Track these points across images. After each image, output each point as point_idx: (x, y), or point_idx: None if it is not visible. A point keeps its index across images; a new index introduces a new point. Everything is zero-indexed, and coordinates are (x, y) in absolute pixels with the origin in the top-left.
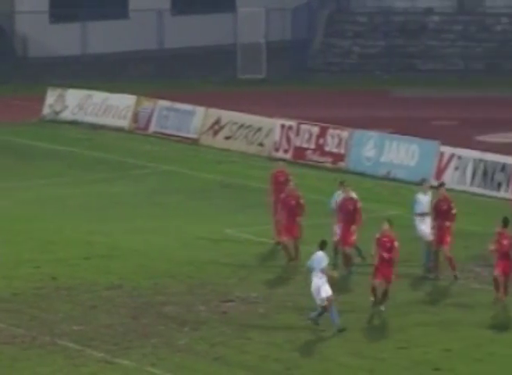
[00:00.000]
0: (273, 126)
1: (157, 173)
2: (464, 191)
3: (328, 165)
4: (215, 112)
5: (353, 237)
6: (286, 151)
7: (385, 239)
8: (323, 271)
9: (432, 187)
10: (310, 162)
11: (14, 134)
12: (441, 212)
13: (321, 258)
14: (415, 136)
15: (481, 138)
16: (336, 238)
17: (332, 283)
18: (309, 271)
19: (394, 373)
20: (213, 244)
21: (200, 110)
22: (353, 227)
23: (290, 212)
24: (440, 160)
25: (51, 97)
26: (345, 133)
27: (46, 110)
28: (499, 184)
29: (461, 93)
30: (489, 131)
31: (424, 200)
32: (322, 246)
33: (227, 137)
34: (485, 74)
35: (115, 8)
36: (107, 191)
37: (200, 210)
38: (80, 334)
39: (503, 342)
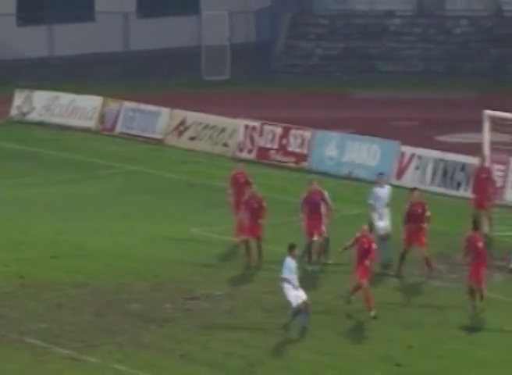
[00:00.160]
0: (237, 126)
1: (123, 173)
2: (424, 191)
3: (291, 165)
4: (180, 113)
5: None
6: (249, 151)
7: (363, 240)
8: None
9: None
10: (273, 162)
11: None
12: (415, 216)
13: (288, 264)
14: (376, 136)
15: (441, 138)
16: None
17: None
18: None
19: (356, 369)
20: (178, 243)
21: (165, 111)
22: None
23: (253, 214)
24: (401, 160)
25: (19, 98)
26: (307, 134)
27: (13, 111)
28: (459, 184)
29: (421, 94)
30: (449, 132)
31: (381, 193)
32: (291, 250)
33: (192, 138)
34: (444, 76)
35: (82, 11)
36: (74, 191)
37: (166, 210)
38: (46, 332)
39: (463, 339)
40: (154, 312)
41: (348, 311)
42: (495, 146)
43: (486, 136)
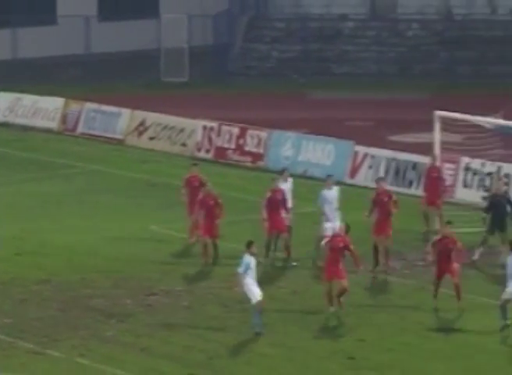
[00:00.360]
0: (195, 127)
1: (85, 172)
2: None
3: (248, 164)
4: (140, 114)
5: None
6: (207, 151)
7: (338, 238)
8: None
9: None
10: (231, 162)
11: None
12: (381, 204)
13: (246, 261)
14: (331, 136)
15: (393, 138)
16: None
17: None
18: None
19: (311, 361)
20: (138, 241)
21: (125, 112)
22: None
23: (208, 212)
24: (355, 159)
25: None
26: (264, 134)
27: None
28: (411, 182)
29: (375, 95)
30: (401, 132)
31: (329, 195)
32: (249, 246)
33: (151, 138)
34: (397, 77)
35: (45, 15)
36: (36, 190)
37: (127, 208)
38: (10, 327)
39: (415, 332)
40: (115, 308)
41: (339, 313)
42: (445, 146)
43: (437, 136)
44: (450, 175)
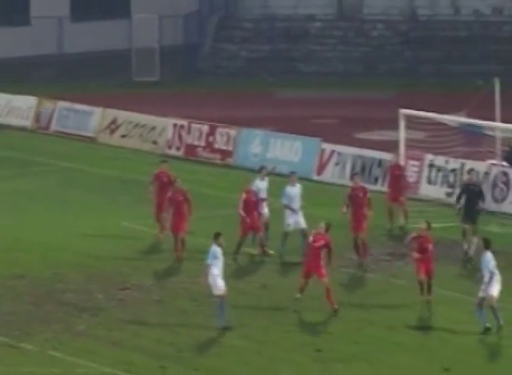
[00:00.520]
0: (166, 125)
1: (58, 169)
2: (343, 185)
3: (218, 161)
4: (111, 113)
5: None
6: (178, 148)
7: (319, 236)
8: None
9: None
10: (200, 159)
11: None
12: (357, 199)
13: (213, 251)
14: (298, 134)
15: (359, 136)
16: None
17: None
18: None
19: (280, 353)
20: (110, 236)
21: (97, 110)
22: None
23: (178, 208)
24: (321, 156)
25: None
26: (233, 132)
27: None
28: (376, 179)
29: (341, 94)
30: (367, 129)
31: (293, 192)
32: (216, 238)
33: (123, 136)
34: (362, 76)
35: (18, 16)
36: (10, 188)
37: (99, 204)
38: None
39: (379, 324)
40: (87, 302)
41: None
42: (410, 143)
43: (402, 133)
44: (415, 172)
